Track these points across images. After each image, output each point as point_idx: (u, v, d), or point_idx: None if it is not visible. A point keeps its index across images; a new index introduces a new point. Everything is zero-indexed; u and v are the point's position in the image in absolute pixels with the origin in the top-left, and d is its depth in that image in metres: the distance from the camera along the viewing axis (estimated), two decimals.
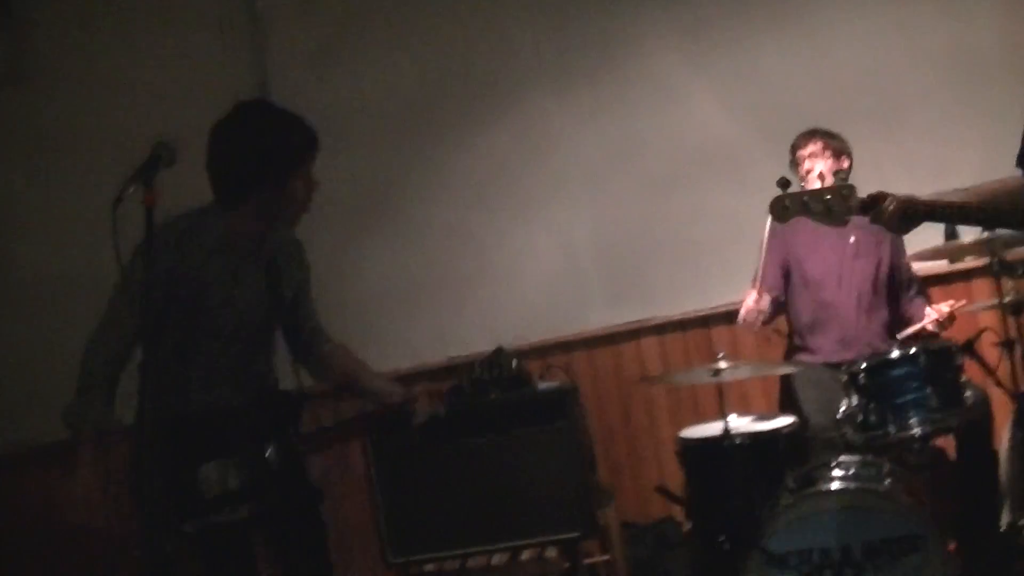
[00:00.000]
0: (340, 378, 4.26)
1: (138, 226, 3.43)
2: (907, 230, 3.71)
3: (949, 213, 3.90)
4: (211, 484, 3.81)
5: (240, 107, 3.98)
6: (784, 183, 3.68)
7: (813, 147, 5.48)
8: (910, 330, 5.36)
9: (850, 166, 5.53)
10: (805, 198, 3.63)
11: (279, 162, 3.88)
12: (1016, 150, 4.95)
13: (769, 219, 5.47)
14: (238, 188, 3.89)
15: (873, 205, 3.61)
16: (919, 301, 5.54)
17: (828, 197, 3.59)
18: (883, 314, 5.49)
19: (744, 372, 5.07)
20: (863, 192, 5.23)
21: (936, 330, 5.31)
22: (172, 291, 3.82)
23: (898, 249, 5.56)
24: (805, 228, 5.46)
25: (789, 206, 3.63)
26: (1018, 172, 4.11)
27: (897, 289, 5.56)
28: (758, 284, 5.45)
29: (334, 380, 4.31)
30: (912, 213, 3.64)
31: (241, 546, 3.92)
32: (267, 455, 3.81)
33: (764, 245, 5.55)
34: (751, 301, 5.31)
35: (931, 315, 5.32)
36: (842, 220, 3.63)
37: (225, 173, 3.86)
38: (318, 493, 4.13)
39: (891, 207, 3.59)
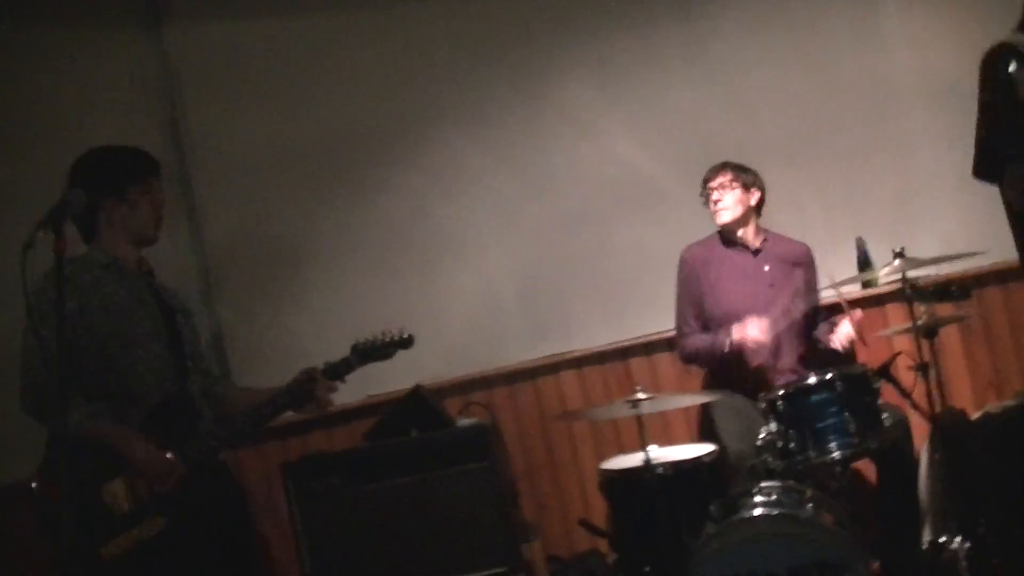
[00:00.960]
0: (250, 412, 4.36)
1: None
2: None
3: None
4: (118, 500, 3.80)
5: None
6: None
7: (722, 179, 5.55)
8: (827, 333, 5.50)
9: (761, 198, 5.58)
10: None
11: (112, 177, 4.22)
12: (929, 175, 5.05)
13: (682, 252, 5.61)
14: (88, 214, 4.17)
15: None
16: (826, 327, 5.60)
17: None
18: (799, 342, 5.54)
19: (662, 404, 5.08)
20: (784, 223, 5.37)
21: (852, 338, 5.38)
22: (86, 326, 4.08)
23: (812, 284, 5.62)
24: (718, 252, 5.55)
25: None
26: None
27: (812, 317, 5.62)
28: (680, 328, 5.53)
29: (240, 421, 4.35)
30: None
31: (167, 567, 3.89)
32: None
33: (678, 284, 5.62)
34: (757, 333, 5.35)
35: (845, 327, 5.38)
36: None
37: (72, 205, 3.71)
38: (241, 494, 4.32)
39: None
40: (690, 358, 5.66)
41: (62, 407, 3.53)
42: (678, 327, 5.67)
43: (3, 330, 5.36)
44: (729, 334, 5.39)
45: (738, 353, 5.39)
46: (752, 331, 5.32)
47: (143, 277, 4.34)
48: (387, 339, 4.59)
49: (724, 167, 5.56)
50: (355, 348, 4.56)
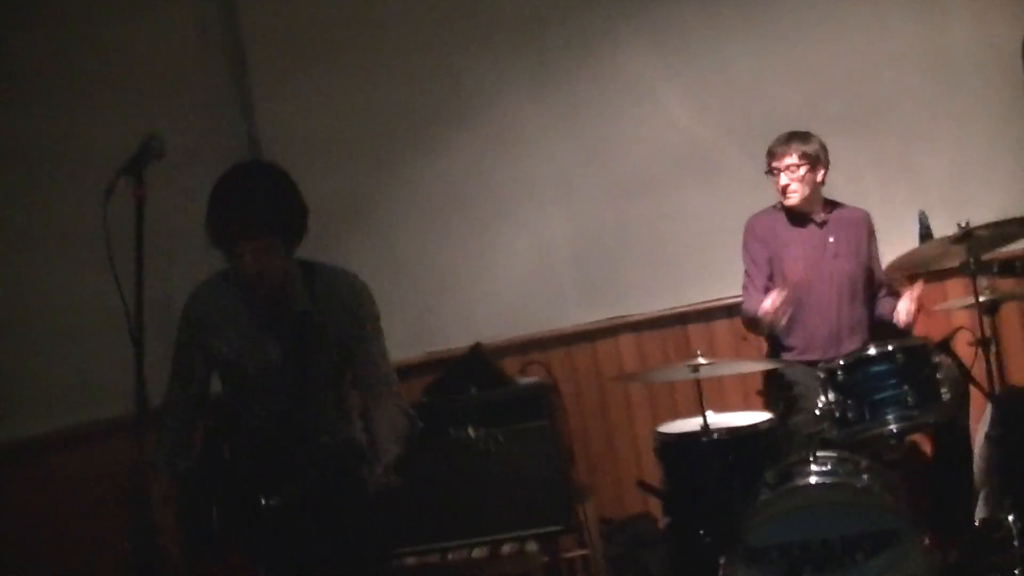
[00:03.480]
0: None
1: (130, 219, 3.43)
2: None
3: None
4: None
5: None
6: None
7: (790, 160, 5.45)
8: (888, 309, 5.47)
9: (825, 174, 5.55)
10: None
11: (216, 233, 3.88)
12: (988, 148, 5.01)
13: (747, 221, 5.60)
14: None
15: None
16: (888, 298, 5.59)
17: None
18: (861, 313, 5.52)
19: (723, 369, 5.10)
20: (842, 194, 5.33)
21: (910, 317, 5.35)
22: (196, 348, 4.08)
23: (874, 251, 5.60)
24: (783, 228, 5.53)
25: None
26: None
27: (874, 290, 5.60)
28: (749, 287, 5.51)
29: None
30: None
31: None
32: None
33: (744, 249, 5.60)
34: (769, 303, 5.32)
35: (904, 303, 5.36)
36: None
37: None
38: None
39: None
40: (748, 323, 5.65)
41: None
42: (744, 291, 5.65)
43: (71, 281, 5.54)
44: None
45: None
46: (766, 304, 5.32)
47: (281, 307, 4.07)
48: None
49: (791, 143, 5.45)
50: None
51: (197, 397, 4.12)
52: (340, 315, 4.03)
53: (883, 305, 5.58)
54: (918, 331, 5.43)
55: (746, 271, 5.60)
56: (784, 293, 5.28)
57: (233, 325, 4.02)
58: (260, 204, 3.84)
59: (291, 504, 3.83)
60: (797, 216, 5.56)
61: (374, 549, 4.16)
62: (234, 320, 4.02)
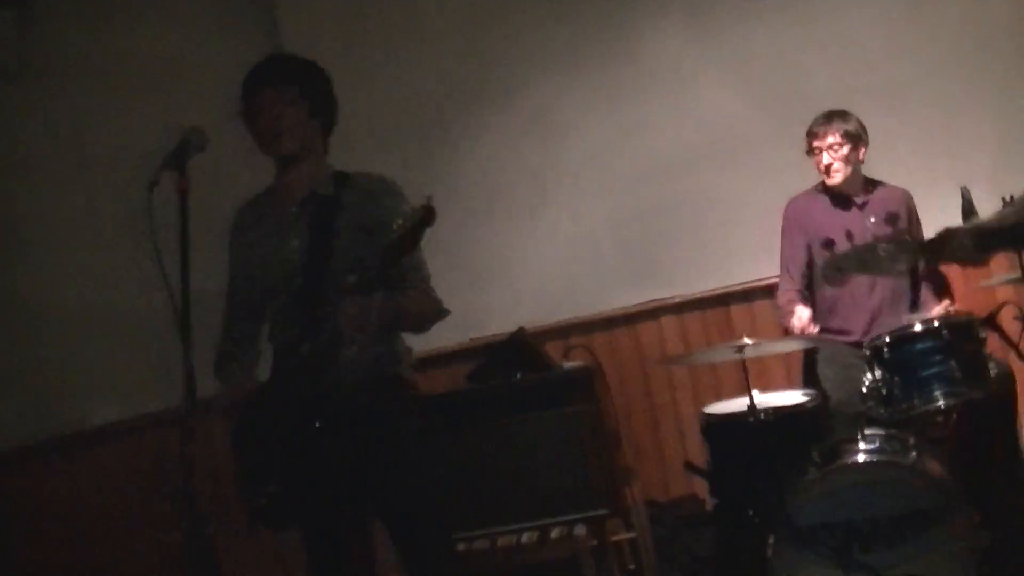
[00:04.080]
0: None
1: (173, 212, 3.45)
2: (984, 262, 3.50)
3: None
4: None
5: None
6: (829, 244, 3.54)
7: (832, 139, 5.42)
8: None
9: (865, 152, 5.52)
10: (863, 255, 3.42)
11: (241, 97, 3.99)
12: None
13: (785, 209, 5.58)
14: None
15: (940, 245, 3.40)
16: (929, 289, 5.56)
17: (885, 247, 3.36)
18: (903, 293, 5.49)
19: (767, 349, 5.09)
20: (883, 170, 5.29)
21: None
22: (238, 260, 4.09)
23: (916, 231, 5.57)
24: (822, 210, 5.51)
25: (843, 267, 3.45)
26: None
27: (915, 268, 5.56)
28: (784, 276, 5.49)
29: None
30: (988, 241, 3.45)
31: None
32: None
33: (783, 233, 5.59)
34: (797, 324, 5.29)
35: (938, 311, 5.33)
36: (899, 271, 3.45)
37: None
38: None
39: (967, 240, 3.37)
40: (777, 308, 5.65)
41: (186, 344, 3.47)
42: (780, 276, 5.64)
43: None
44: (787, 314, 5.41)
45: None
46: (795, 323, 5.29)
47: (302, 204, 3.99)
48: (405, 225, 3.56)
49: (831, 123, 5.42)
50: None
51: (249, 305, 4.06)
52: (367, 204, 3.93)
53: (924, 292, 5.55)
54: (963, 306, 5.40)
55: (782, 256, 5.59)
56: (813, 330, 5.26)
57: (260, 228, 4.02)
58: (277, 59, 4.13)
59: (307, 441, 3.73)
60: (838, 197, 5.52)
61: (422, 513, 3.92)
62: (261, 223, 4.02)
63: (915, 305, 5.48)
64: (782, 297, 5.58)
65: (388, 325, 3.83)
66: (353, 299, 3.62)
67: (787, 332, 5.44)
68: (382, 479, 3.84)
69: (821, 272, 3.36)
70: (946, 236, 3.34)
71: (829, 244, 5.46)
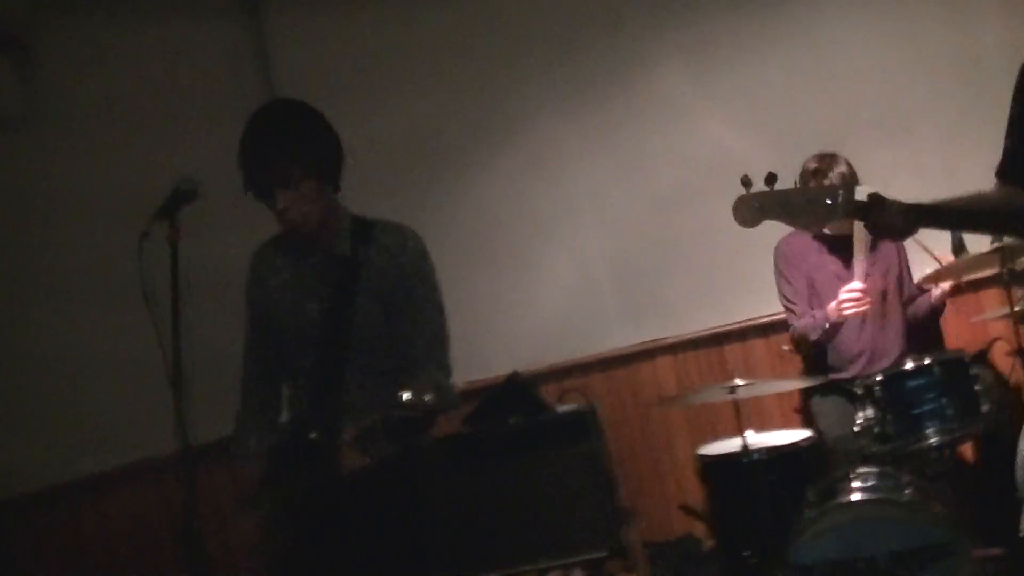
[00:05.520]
0: None
1: (164, 262, 3.48)
2: (906, 235, 3.35)
3: (955, 217, 3.53)
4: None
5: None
6: (747, 181, 3.15)
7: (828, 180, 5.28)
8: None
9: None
10: (784, 199, 3.12)
11: (251, 183, 3.76)
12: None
13: (776, 248, 5.57)
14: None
15: (871, 207, 3.20)
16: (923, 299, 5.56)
17: (813, 197, 3.14)
18: (897, 327, 5.49)
19: (760, 389, 5.10)
20: None
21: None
22: (256, 310, 3.93)
23: (904, 262, 5.57)
24: (814, 250, 5.51)
25: (760, 207, 3.11)
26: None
27: (905, 303, 5.57)
28: (794, 309, 5.48)
29: None
30: (915, 216, 3.27)
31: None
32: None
33: (778, 272, 5.56)
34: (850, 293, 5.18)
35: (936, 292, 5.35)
36: (822, 224, 3.23)
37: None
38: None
39: (894, 208, 3.21)
40: (802, 338, 5.51)
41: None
42: (788, 311, 5.58)
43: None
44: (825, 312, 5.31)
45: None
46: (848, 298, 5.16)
47: (324, 262, 3.86)
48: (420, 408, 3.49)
49: (829, 167, 5.33)
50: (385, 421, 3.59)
51: (269, 362, 3.93)
52: (385, 266, 3.77)
53: (915, 307, 5.56)
54: (954, 344, 5.41)
55: (785, 296, 5.55)
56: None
57: (278, 279, 3.87)
58: (292, 149, 3.70)
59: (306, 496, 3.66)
60: (831, 242, 5.49)
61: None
62: (279, 274, 3.87)
63: (910, 343, 5.48)
64: (801, 321, 5.45)
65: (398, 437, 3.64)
66: (349, 448, 3.56)
67: (833, 329, 5.34)
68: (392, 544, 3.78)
69: (733, 210, 3.14)
70: (875, 200, 3.19)
71: (817, 274, 5.49)
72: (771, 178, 3.14)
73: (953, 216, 3.48)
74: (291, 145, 3.70)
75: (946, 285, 5.30)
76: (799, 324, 5.47)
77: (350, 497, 3.67)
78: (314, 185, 3.74)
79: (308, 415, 3.75)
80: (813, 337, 5.31)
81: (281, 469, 3.72)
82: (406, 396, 3.39)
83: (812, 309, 5.44)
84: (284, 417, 3.94)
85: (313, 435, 3.64)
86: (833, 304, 5.22)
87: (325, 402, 3.71)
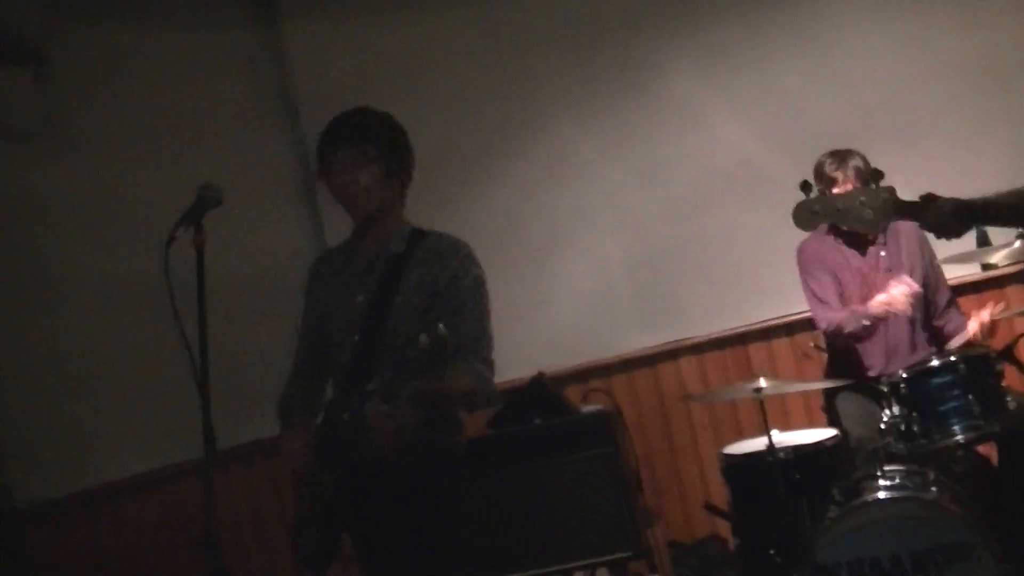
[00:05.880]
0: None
1: (189, 268, 3.48)
2: (960, 233, 3.34)
3: (1004, 213, 3.50)
4: None
5: None
6: (807, 186, 3.37)
7: (842, 175, 5.29)
8: (956, 342, 5.30)
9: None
10: (839, 203, 3.27)
11: (319, 158, 3.99)
12: None
13: (798, 252, 5.55)
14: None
15: (922, 207, 3.27)
16: (953, 312, 5.50)
17: (864, 199, 3.24)
18: (919, 328, 5.46)
19: (783, 389, 5.10)
20: None
21: (980, 339, 5.17)
22: (310, 307, 4.10)
23: (929, 259, 5.53)
24: (834, 246, 5.48)
25: (819, 211, 3.28)
26: None
27: (930, 300, 5.53)
28: (821, 309, 5.44)
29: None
30: (967, 215, 3.29)
31: None
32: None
33: (804, 272, 5.52)
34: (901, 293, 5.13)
35: (973, 326, 5.21)
36: (878, 226, 3.33)
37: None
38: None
39: (946, 208, 3.26)
40: (836, 331, 5.38)
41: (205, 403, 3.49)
42: (817, 307, 5.46)
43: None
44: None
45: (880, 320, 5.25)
46: (897, 293, 5.12)
47: (371, 261, 3.99)
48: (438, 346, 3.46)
49: (844, 161, 5.33)
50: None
51: (317, 358, 4.08)
52: (434, 265, 3.91)
53: (945, 318, 5.52)
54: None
55: (815, 294, 5.48)
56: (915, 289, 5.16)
57: (335, 278, 4.03)
58: (354, 115, 4.01)
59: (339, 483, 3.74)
60: (849, 236, 5.44)
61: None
62: (337, 274, 4.04)
63: (933, 340, 5.46)
64: (839, 314, 5.34)
65: (429, 411, 3.78)
66: (377, 411, 3.66)
67: (874, 325, 5.25)
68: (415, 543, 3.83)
69: (793, 215, 3.26)
70: (927, 199, 3.26)
71: (840, 272, 5.47)
72: (806, 185, 3.36)
73: (1003, 212, 3.46)
74: (355, 133, 3.93)
75: (985, 318, 5.25)
76: (836, 317, 5.36)
77: (379, 487, 3.76)
78: (371, 152, 3.91)
79: (342, 399, 3.84)
80: (849, 329, 5.28)
81: (317, 452, 3.81)
82: (423, 338, 3.40)
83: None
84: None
85: (345, 415, 3.74)
86: (877, 300, 5.18)
87: (358, 387, 3.75)
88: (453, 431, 4.04)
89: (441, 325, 3.44)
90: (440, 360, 3.46)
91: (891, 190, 3.25)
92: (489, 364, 3.93)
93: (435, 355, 3.42)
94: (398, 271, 3.90)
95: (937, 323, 5.50)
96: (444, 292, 3.87)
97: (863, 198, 3.24)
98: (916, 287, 5.14)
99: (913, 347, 5.39)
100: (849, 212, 3.25)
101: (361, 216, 3.98)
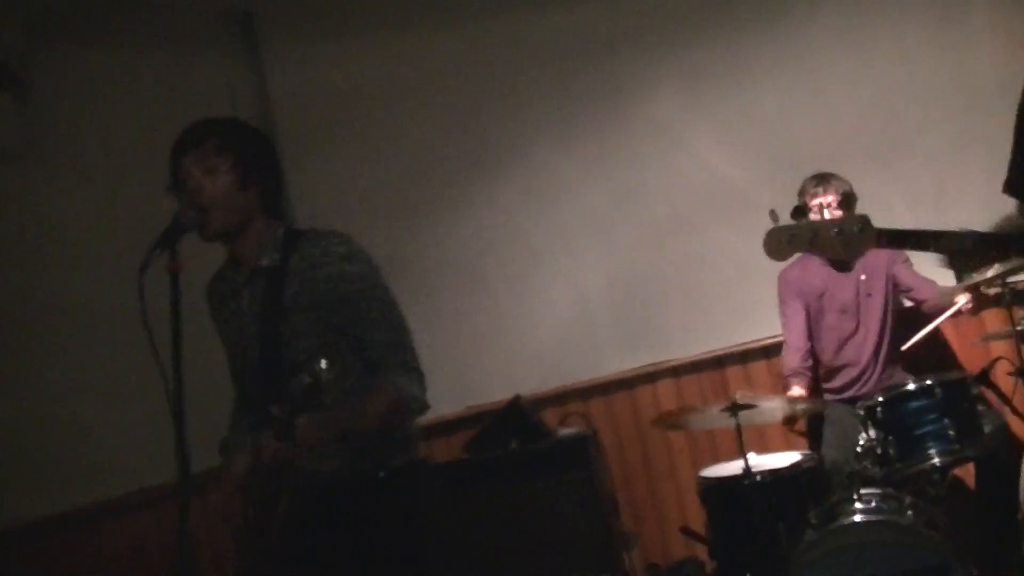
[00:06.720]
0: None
1: (164, 294, 3.47)
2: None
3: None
4: None
5: None
6: (775, 215, 3.23)
7: (829, 197, 5.46)
8: (931, 325, 5.47)
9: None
10: (811, 231, 3.17)
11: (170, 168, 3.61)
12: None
13: (779, 274, 5.60)
14: None
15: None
16: (923, 284, 5.64)
17: (837, 228, 3.15)
18: (894, 343, 5.55)
19: (760, 407, 5.11)
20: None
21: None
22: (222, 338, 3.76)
23: (900, 271, 5.61)
24: (815, 276, 5.53)
25: (790, 240, 3.18)
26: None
27: (914, 298, 5.67)
28: (786, 343, 5.62)
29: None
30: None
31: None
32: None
33: (779, 298, 5.61)
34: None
35: (962, 300, 5.39)
36: (853, 256, 3.28)
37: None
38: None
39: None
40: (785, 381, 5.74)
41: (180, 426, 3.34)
42: (786, 337, 5.77)
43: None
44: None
45: None
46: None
47: (251, 273, 3.63)
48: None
49: (828, 182, 5.48)
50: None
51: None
52: (309, 275, 3.50)
53: (921, 291, 5.64)
54: (956, 363, 5.43)
55: (783, 321, 5.65)
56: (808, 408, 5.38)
57: (225, 307, 3.70)
58: (202, 121, 3.60)
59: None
60: (829, 260, 5.53)
61: None
62: (225, 302, 3.70)
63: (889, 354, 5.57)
64: (786, 365, 5.71)
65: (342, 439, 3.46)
66: (267, 444, 3.34)
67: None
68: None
69: (764, 244, 3.22)
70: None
71: (821, 295, 5.53)
72: (798, 211, 3.24)
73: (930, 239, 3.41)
74: (196, 139, 3.55)
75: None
76: (785, 367, 5.70)
77: (310, 512, 3.51)
78: (223, 182, 3.52)
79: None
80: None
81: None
82: (304, 378, 3.15)
83: (810, 335, 5.62)
84: None
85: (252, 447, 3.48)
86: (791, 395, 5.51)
87: (261, 416, 3.42)
88: (391, 455, 3.61)
89: (324, 361, 3.13)
90: (319, 402, 3.18)
91: (865, 218, 3.18)
92: (414, 369, 3.57)
93: (313, 396, 3.18)
94: (277, 288, 3.52)
95: (919, 298, 5.65)
96: (332, 305, 3.49)
97: (836, 227, 3.18)
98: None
99: (886, 368, 5.46)
100: (822, 241, 3.18)
101: (212, 233, 3.57)
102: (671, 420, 5.51)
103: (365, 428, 3.50)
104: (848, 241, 3.16)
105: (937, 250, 3.56)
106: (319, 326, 3.49)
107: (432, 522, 3.70)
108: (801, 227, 3.18)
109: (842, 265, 5.54)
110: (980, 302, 5.36)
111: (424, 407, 3.59)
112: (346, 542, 3.53)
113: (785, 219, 3.19)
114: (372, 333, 3.49)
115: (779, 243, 3.18)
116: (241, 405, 3.81)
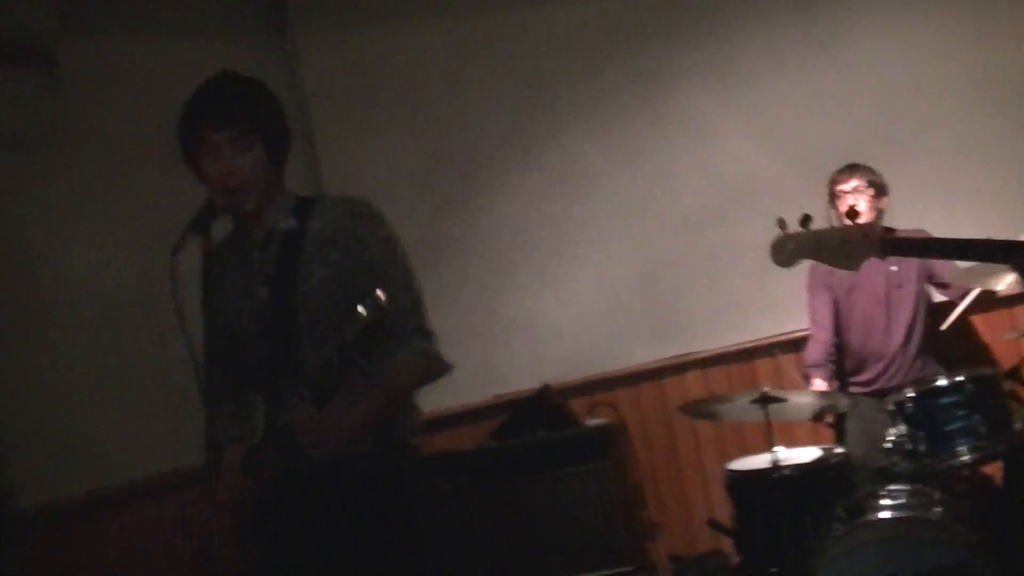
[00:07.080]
0: None
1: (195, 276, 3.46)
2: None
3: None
4: None
5: None
6: (782, 223, 3.28)
7: (856, 182, 5.46)
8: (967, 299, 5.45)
9: (887, 203, 5.54)
10: (816, 239, 3.21)
11: (182, 139, 3.47)
12: None
13: (810, 268, 5.59)
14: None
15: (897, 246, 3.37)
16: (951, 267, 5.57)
17: (843, 236, 3.18)
18: (925, 336, 5.54)
19: (786, 406, 5.09)
20: (906, 220, 5.27)
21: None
22: (214, 316, 3.53)
23: (934, 265, 5.59)
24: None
25: (796, 248, 3.24)
26: None
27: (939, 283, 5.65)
28: (810, 338, 5.59)
29: None
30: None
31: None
32: None
33: (807, 291, 5.59)
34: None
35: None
36: (857, 263, 3.24)
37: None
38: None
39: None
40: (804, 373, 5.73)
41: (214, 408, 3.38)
42: (811, 330, 5.74)
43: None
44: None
45: None
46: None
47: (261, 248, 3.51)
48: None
49: (855, 170, 5.48)
50: None
51: (233, 371, 3.58)
52: (332, 234, 3.42)
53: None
54: (987, 359, 5.40)
55: (809, 313, 5.64)
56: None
57: (229, 275, 3.54)
58: (227, 91, 3.44)
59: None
60: None
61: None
62: (230, 269, 3.55)
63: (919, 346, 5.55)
64: (808, 358, 5.68)
65: (373, 417, 3.35)
66: (301, 412, 3.25)
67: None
68: (378, 555, 3.39)
69: (770, 252, 3.24)
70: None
71: (851, 287, 5.52)
72: (806, 220, 3.24)
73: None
74: (231, 114, 3.39)
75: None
76: (807, 357, 5.68)
77: (323, 493, 3.37)
78: (254, 161, 3.42)
79: (273, 403, 3.44)
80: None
81: (254, 462, 3.43)
82: (360, 309, 3.05)
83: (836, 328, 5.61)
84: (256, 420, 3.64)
85: (282, 420, 3.36)
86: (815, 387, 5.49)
87: (286, 385, 3.37)
88: (403, 424, 3.53)
89: (379, 291, 3.05)
90: (382, 332, 3.08)
91: (872, 225, 3.22)
92: (428, 332, 3.49)
93: (376, 327, 3.07)
94: (295, 252, 3.42)
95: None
96: (354, 262, 3.40)
97: (839, 237, 3.21)
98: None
99: (916, 361, 5.44)
100: (828, 249, 3.22)
101: (247, 214, 3.47)
102: (699, 408, 5.49)
103: (400, 398, 3.45)
104: (851, 251, 3.20)
105: (943, 258, 3.56)
106: (337, 288, 3.39)
107: (417, 499, 3.55)
108: (806, 236, 3.22)
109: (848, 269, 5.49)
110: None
111: (447, 367, 3.52)
112: (341, 522, 3.39)
113: (794, 227, 3.23)
114: (395, 298, 3.26)
115: (784, 251, 3.25)
116: (216, 395, 3.53)
